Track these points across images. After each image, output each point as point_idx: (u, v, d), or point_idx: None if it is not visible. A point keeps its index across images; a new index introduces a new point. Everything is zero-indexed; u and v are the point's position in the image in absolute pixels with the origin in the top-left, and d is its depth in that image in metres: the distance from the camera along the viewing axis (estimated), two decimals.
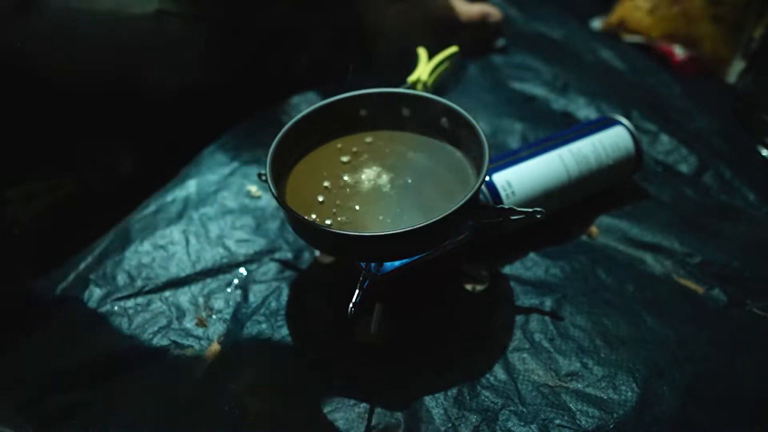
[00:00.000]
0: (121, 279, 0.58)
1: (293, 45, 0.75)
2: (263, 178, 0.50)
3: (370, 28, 0.77)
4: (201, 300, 0.57)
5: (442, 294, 0.58)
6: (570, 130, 0.66)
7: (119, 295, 0.57)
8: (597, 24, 0.98)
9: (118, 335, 0.54)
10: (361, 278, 0.49)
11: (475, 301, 0.58)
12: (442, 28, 0.86)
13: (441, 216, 0.45)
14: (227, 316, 0.56)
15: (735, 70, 0.88)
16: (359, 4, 0.75)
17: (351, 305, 0.47)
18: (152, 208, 0.65)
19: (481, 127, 0.51)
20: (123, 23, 0.62)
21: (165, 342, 0.54)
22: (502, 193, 0.59)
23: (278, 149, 0.51)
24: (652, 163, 0.73)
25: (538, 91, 0.84)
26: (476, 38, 0.89)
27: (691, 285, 0.59)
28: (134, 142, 0.69)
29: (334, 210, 0.51)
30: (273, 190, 0.48)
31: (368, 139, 0.56)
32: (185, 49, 0.68)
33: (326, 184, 0.53)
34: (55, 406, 0.49)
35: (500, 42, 0.93)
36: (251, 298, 0.57)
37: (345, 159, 0.55)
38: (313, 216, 0.51)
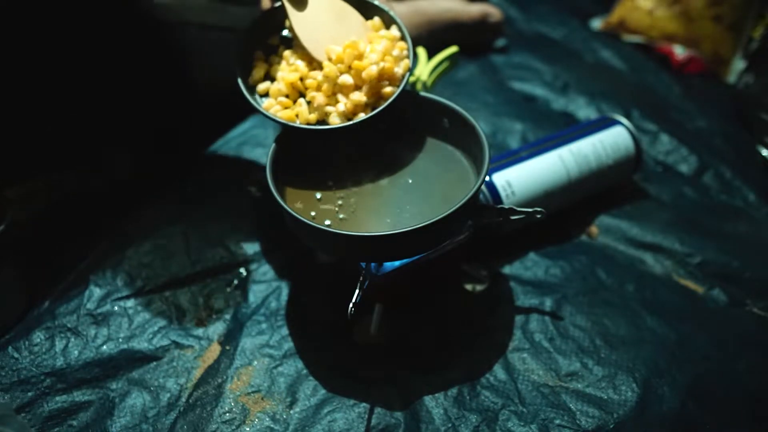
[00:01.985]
0: (121, 279, 0.58)
1: None
2: (263, 178, 0.50)
3: None
4: (201, 300, 0.57)
5: (442, 294, 0.58)
6: (570, 130, 0.66)
7: (119, 295, 0.57)
8: (597, 24, 0.98)
9: (118, 335, 0.54)
10: (361, 278, 0.49)
11: (475, 301, 0.58)
12: (443, 29, 0.86)
13: (441, 216, 0.45)
14: (227, 316, 0.56)
15: (735, 70, 0.88)
16: None
17: (351, 305, 0.47)
18: (152, 208, 0.65)
19: (481, 127, 0.51)
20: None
21: (165, 342, 0.54)
22: (502, 193, 0.59)
23: (278, 149, 0.51)
24: (652, 163, 0.73)
25: (538, 91, 0.84)
26: (477, 38, 0.89)
27: (691, 285, 0.59)
28: (134, 143, 0.69)
29: (335, 210, 0.51)
30: (273, 190, 0.48)
31: (368, 139, 0.56)
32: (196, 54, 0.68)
33: (327, 183, 0.53)
34: (55, 406, 0.49)
35: (500, 42, 0.93)
36: (251, 298, 0.57)
37: (345, 159, 0.55)
38: (312, 214, 0.51)
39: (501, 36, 0.92)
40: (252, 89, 0.54)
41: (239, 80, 0.52)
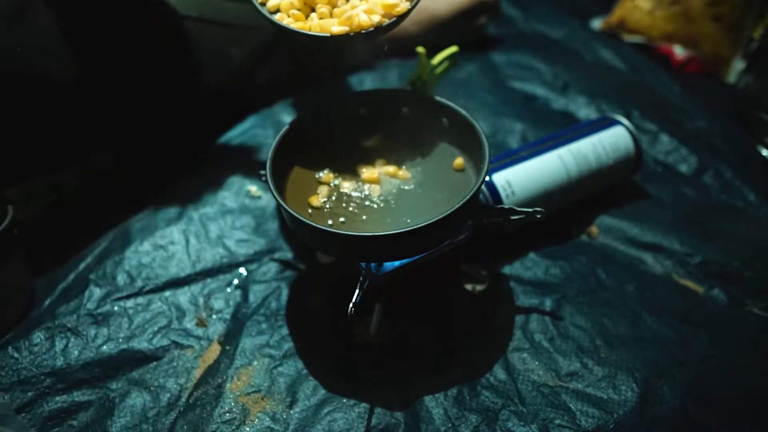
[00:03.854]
0: (121, 279, 0.58)
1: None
2: (263, 178, 0.50)
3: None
4: (201, 300, 0.57)
5: (442, 294, 0.58)
6: (570, 130, 0.66)
7: (119, 295, 0.57)
8: (597, 24, 0.98)
9: (118, 335, 0.54)
10: (361, 278, 0.49)
11: (475, 301, 0.58)
12: (449, 21, 0.86)
13: (441, 216, 0.45)
14: (227, 316, 0.56)
15: (735, 70, 0.88)
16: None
17: (351, 305, 0.47)
18: (152, 208, 0.65)
19: (481, 127, 0.51)
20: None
21: (165, 342, 0.54)
22: (502, 193, 0.59)
23: (278, 149, 0.51)
24: (652, 163, 0.73)
25: (538, 90, 0.84)
26: (477, 20, 0.89)
27: (691, 285, 0.59)
28: (135, 143, 0.69)
29: (335, 209, 0.51)
30: (273, 190, 0.48)
31: (368, 139, 0.56)
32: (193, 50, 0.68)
33: (327, 184, 0.53)
34: (55, 406, 0.49)
35: (490, 29, 0.93)
36: (251, 298, 0.57)
37: (345, 159, 0.55)
38: (312, 213, 0.51)
39: (497, 15, 0.92)
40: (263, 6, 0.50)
41: None
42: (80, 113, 0.61)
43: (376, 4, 0.48)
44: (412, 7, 0.49)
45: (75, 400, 0.50)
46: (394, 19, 0.48)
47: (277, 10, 0.50)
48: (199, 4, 0.69)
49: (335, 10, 0.49)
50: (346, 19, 0.47)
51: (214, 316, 0.56)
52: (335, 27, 0.48)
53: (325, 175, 0.54)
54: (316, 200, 0.52)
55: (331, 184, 0.53)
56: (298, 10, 0.49)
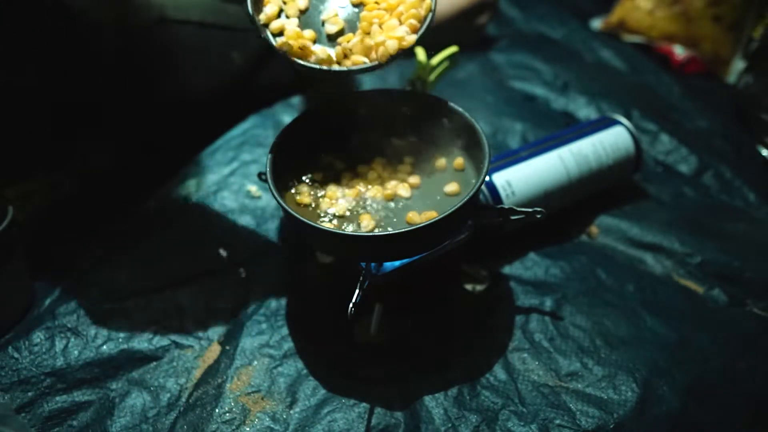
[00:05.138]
0: (121, 279, 0.58)
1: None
2: (263, 178, 0.50)
3: None
4: (201, 300, 0.57)
5: (442, 294, 0.58)
6: (570, 130, 0.66)
7: (119, 295, 0.57)
8: (597, 24, 0.98)
9: (118, 335, 0.54)
10: (361, 278, 0.49)
11: (475, 301, 0.58)
12: (450, 22, 0.86)
13: (441, 216, 0.45)
14: (227, 316, 0.56)
15: (735, 70, 0.88)
16: None
17: (351, 305, 0.47)
18: (152, 208, 0.65)
19: (481, 127, 0.51)
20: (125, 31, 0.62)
21: (165, 342, 0.54)
22: (502, 193, 0.59)
23: (278, 149, 0.51)
24: (652, 163, 0.73)
25: (538, 90, 0.84)
26: (475, 19, 0.89)
27: (691, 285, 0.59)
28: (134, 143, 0.69)
29: (334, 210, 0.51)
30: (273, 190, 0.48)
31: (368, 139, 0.56)
32: (187, 54, 0.68)
33: (327, 184, 0.53)
34: (55, 406, 0.49)
35: (491, 30, 0.93)
36: (251, 298, 0.57)
37: (345, 159, 0.55)
38: (312, 212, 0.51)
39: (497, 14, 0.92)
40: (265, 27, 0.49)
41: (252, 16, 0.49)
42: (78, 114, 0.61)
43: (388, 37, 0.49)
44: (418, 41, 0.49)
45: (75, 400, 0.50)
46: (400, 51, 0.49)
47: (281, 33, 0.49)
48: (201, 8, 0.69)
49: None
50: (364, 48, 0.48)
51: (214, 316, 0.56)
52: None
53: (324, 175, 0.54)
54: (316, 200, 0.52)
55: (331, 184, 0.53)
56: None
